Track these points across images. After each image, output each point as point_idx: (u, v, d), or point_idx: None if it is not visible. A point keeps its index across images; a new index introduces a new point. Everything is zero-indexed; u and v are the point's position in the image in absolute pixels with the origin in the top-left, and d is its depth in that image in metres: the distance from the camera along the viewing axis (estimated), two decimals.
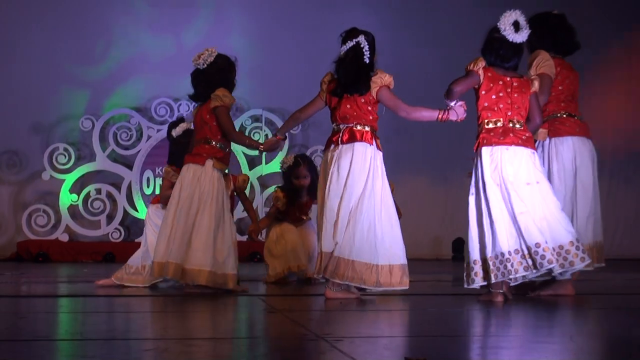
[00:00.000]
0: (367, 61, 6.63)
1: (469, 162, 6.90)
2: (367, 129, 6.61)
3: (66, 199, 12.26)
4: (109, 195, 12.40)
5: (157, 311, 6.63)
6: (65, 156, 12.26)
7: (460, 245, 12.03)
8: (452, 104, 6.69)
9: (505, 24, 6.75)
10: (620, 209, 13.08)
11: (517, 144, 6.65)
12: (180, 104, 12.58)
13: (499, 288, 6.62)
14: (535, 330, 5.36)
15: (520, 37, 6.74)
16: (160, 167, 12.37)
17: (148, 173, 12.56)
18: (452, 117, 6.69)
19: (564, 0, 10.65)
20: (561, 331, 5.38)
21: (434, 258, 12.83)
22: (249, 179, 8.34)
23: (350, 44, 6.69)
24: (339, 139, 6.60)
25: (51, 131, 12.54)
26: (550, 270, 6.73)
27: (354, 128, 6.60)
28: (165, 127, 12.21)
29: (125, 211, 12.44)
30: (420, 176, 12.51)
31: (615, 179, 13.34)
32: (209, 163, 7.07)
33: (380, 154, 6.76)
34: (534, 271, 6.71)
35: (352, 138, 6.59)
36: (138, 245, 11.84)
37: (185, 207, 7.07)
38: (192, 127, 7.65)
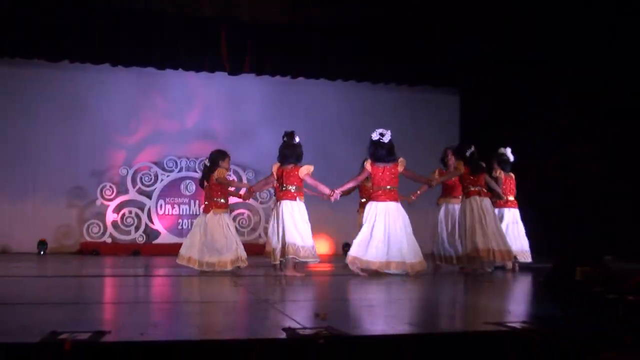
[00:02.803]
0: None
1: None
2: None
3: (110, 216, 11.99)
4: (137, 215, 12.16)
5: (167, 285, 6.64)
6: (110, 191, 12.03)
7: (347, 247, 12.20)
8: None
9: (508, 152, 8.35)
10: None
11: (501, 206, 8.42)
12: (181, 160, 12.46)
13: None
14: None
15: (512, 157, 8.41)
16: (170, 198, 12.31)
17: (161, 201, 12.31)
18: None
19: None
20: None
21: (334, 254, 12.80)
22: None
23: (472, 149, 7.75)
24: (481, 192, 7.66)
25: (102, 175, 12.29)
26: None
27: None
28: (172, 174, 12.20)
29: (146, 224, 12.17)
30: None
31: None
32: (397, 200, 7.23)
33: None
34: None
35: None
36: (155, 245, 11.73)
37: (397, 226, 7.06)
38: None
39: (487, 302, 5.09)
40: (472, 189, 7.68)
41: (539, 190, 11.18)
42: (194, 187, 12.32)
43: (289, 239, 6.95)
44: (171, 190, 12.40)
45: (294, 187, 7.15)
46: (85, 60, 11.56)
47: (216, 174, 7.55)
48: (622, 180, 10.27)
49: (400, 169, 7.20)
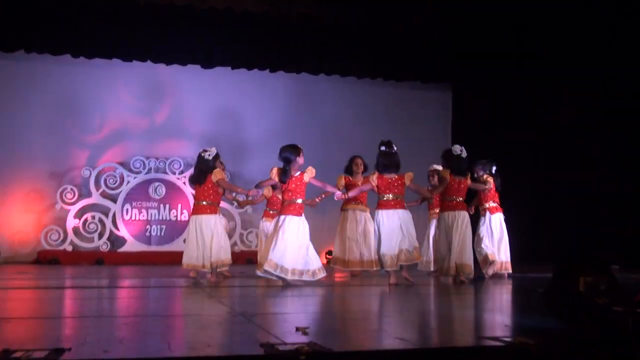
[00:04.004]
0: None
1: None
2: None
3: (71, 222, 11.90)
4: (100, 220, 12.11)
5: (134, 297, 6.51)
6: (71, 194, 11.96)
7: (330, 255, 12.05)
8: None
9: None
10: None
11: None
12: (150, 161, 12.36)
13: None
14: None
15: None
16: (137, 202, 12.18)
17: (127, 206, 12.22)
18: None
19: None
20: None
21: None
22: None
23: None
24: None
25: (62, 177, 12.18)
26: None
27: None
28: (139, 176, 12.13)
29: (111, 231, 12.11)
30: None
31: None
32: (467, 210, 7.98)
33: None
34: None
35: None
36: (120, 254, 11.63)
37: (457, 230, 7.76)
38: None
39: (482, 315, 5.12)
40: (492, 204, 8.63)
41: (531, 194, 11.33)
42: (163, 190, 12.22)
43: (404, 245, 7.35)
44: (138, 194, 12.32)
45: (400, 197, 7.43)
46: (43, 51, 11.51)
47: (309, 173, 7.04)
48: (621, 181, 10.39)
49: (469, 182, 7.97)
